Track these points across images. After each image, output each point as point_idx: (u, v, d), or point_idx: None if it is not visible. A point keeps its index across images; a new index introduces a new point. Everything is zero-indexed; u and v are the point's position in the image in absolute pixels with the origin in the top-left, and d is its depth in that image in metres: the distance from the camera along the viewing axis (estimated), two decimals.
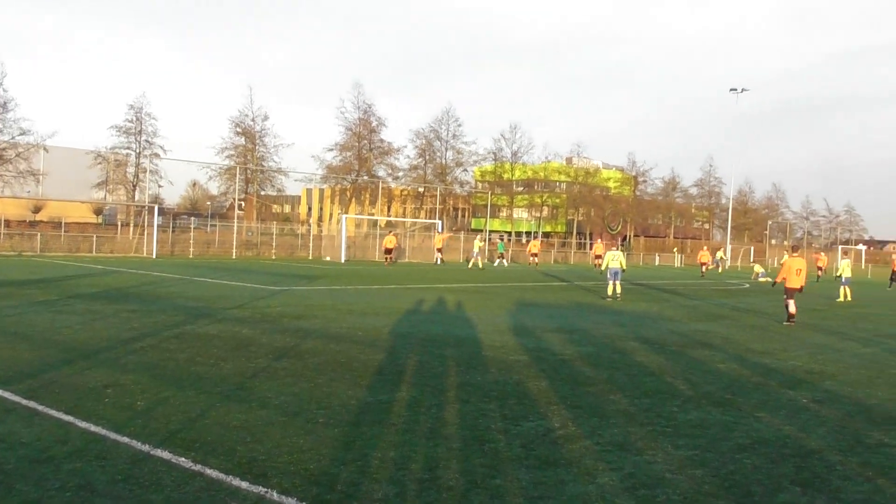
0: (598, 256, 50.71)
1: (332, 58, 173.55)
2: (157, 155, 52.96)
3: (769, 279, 36.25)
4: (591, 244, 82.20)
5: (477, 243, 43.89)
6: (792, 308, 17.42)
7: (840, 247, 74.14)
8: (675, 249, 78.06)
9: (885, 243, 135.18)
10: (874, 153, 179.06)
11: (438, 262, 46.32)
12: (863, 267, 72.89)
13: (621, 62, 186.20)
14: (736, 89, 70.77)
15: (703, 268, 47.69)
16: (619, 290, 22.59)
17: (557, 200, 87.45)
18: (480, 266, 41.63)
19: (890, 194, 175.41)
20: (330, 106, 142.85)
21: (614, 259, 22.83)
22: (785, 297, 17.76)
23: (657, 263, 72.06)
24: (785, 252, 59.94)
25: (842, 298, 26.79)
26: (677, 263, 72.95)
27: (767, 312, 18.52)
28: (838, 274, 29.12)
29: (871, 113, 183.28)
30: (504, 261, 50.07)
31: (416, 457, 5.59)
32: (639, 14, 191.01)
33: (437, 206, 69.80)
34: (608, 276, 22.77)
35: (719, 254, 57.81)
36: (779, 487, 5.27)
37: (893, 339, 15.33)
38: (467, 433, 6.33)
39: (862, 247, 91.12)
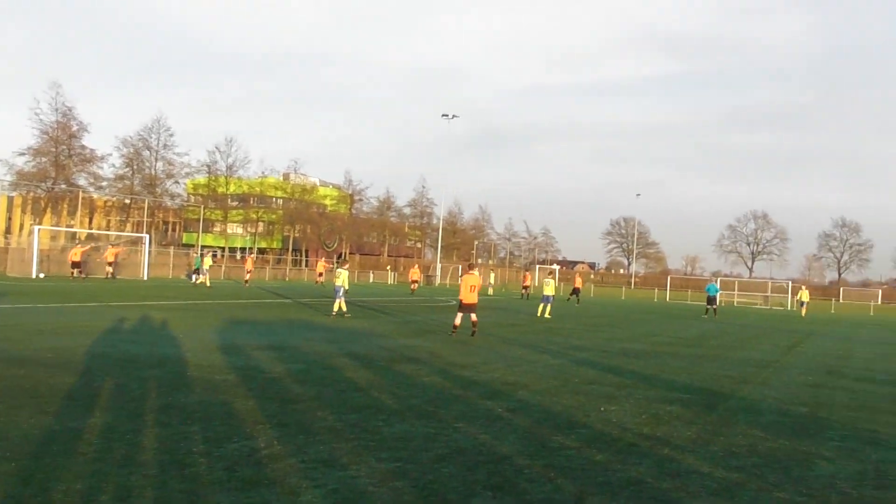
0: (321, 274, 51.08)
1: (24, 54, 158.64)
2: None
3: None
4: (308, 261, 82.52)
5: (207, 260, 42.23)
6: (457, 321, 18.80)
7: (539, 266, 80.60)
8: (388, 267, 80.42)
9: (575, 263, 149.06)
10: (567, 182, 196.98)
11: (109, 276, 43.70)
12: (556, 285, 79.61)
13: (339, 81, 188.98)
14: (447, 115, 74.59)
15: (414, 285, 49.61)
16: (339, 307, 23.24)
17: (274, 216, 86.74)
18: (208, 284, 40.07)
19: (578, 218, 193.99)
20: (22, 106, 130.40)
21: (338, 278, 23.61)
22: (458, 310, 19.10)
23: (371, 281, 73.72)
24: (492, 271, 64.06)
25: (539, 314, 29.05)
26: (391, 281, 75.14)
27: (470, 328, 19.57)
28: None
29: (562, 144, 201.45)
30: (201, 276, 47.92)
31: (106, 487, 5.23)
32: (357, 36, 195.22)
33: (146, 218, 66.37)
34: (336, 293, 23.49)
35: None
36: (472, 493, 5.59)
37: (579, 350, 16.90)
38: (166, 458, 6.04)
39: (556, 266, 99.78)
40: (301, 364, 11.94)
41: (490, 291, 53.61)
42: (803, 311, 46.48)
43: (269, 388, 9.52)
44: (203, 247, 65.75)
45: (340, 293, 23.32)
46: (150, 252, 50.81)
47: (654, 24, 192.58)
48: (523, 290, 50.70)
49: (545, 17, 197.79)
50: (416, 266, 55.76)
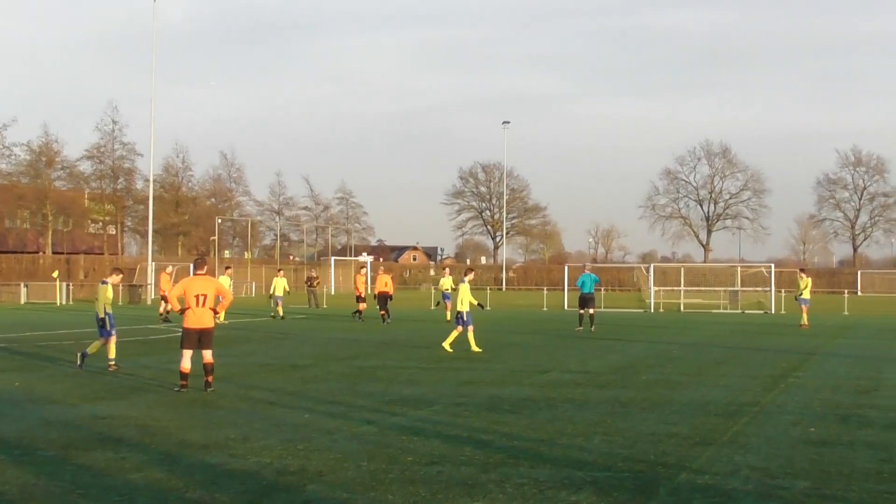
0: None
1: None
2: None
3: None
4: None
5: None
6: (185, 364, 18.31)
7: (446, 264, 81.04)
8: (55, 274, 78.47)
9: (402, 249, 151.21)
10: (382, 105, 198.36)
11: None
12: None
13: None
14: None
15: (163, 305, 48.60)
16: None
17: None
18: None
19: (404, 172, 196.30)
20: None
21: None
22: (182, 344, 18.65)
23: (24, 301, 71.86)
24: (277, 275, 63.44)
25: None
26: (62, 299, 73.43)
27: (231, 363, 19.35)
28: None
29: (366, 39, 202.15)
30: None
31: None
32: None
33: None
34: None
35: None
36: None
37: (411, 405, 16.94)
38: None
39: (368, 257, 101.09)
40: None
41: (279, 311, 50.17)
42: (804, 317, 44.42)
43: None
44: None
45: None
46: None
47: None
48: (358, 309, 46.86)
49: None
50: (166, 273, 54.01)
